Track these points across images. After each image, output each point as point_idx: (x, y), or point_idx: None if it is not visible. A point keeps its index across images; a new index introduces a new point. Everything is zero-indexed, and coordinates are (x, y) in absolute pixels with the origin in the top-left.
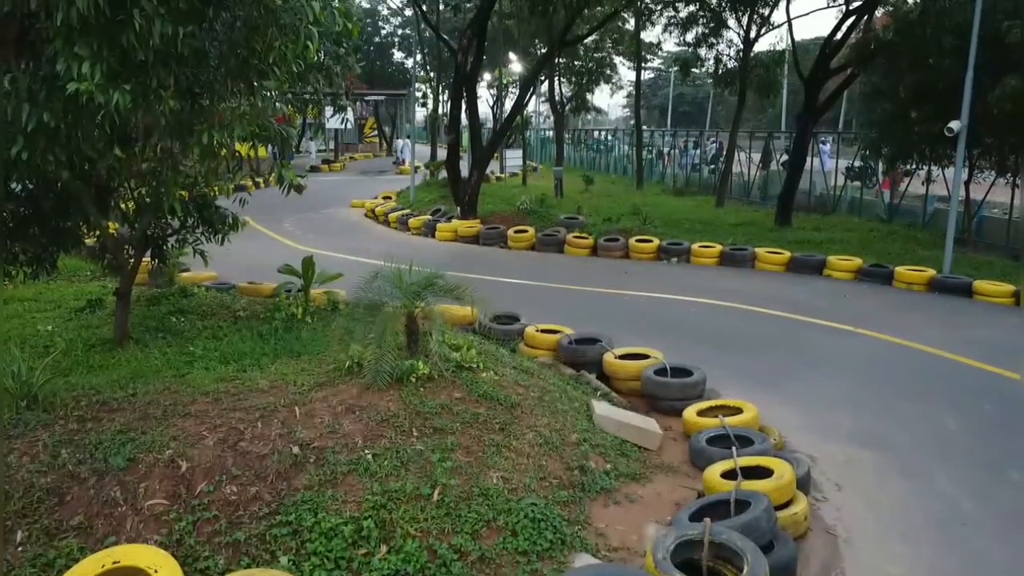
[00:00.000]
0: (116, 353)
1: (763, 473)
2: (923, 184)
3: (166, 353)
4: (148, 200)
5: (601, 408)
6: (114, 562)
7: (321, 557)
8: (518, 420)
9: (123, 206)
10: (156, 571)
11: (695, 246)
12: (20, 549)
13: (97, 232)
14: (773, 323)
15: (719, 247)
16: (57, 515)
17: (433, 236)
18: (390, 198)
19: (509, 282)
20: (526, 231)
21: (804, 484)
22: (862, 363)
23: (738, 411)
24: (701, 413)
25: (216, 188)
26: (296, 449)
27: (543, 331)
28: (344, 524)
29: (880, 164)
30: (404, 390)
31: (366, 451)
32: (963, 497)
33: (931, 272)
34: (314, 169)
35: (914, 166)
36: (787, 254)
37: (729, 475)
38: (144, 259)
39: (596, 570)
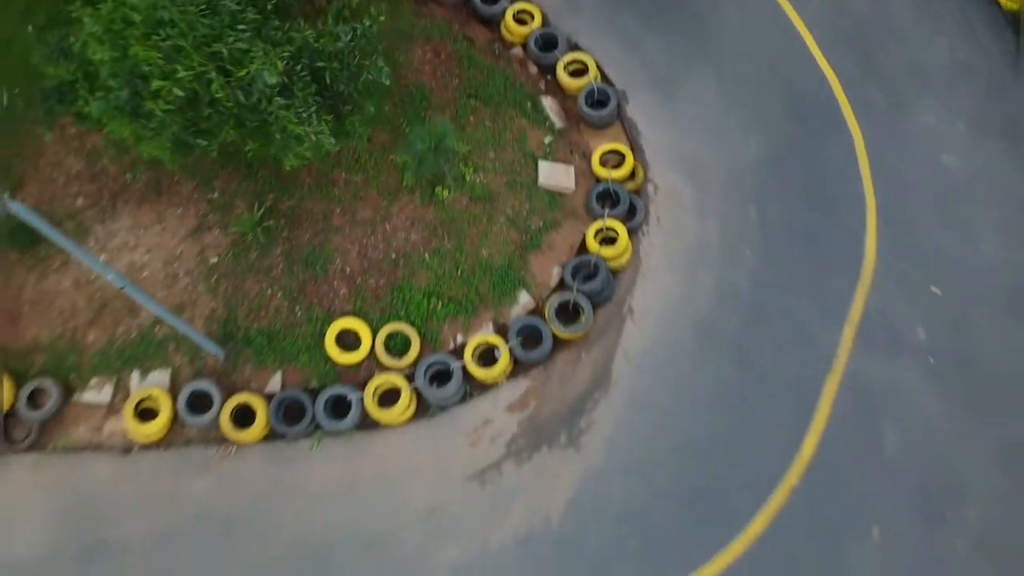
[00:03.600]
0: None
1: (617, 232)
2: None
3: None
4: None
5: (543, 173)
6: (342, 328)
7: (413, 313)
8: (497, 208)
9: None
10: (359, 331)
11: None
12: (299, 315)
13: None
14: None
15: None
16: (306, 298)
17: None
18: None
19: None
20: None
21: (639, 224)
22: (741, 50)
23: (622, 158)
24: (602, 157)
25: None
26: (394, 255)
27: (517, 18)
28: (423, 296)
29: None
30: (437, 206)
31: (425, 254)
32: (748, 233)
33: None
34: None
35: None
36: None
37: (600, 232)
38: None
39: (525, 320)
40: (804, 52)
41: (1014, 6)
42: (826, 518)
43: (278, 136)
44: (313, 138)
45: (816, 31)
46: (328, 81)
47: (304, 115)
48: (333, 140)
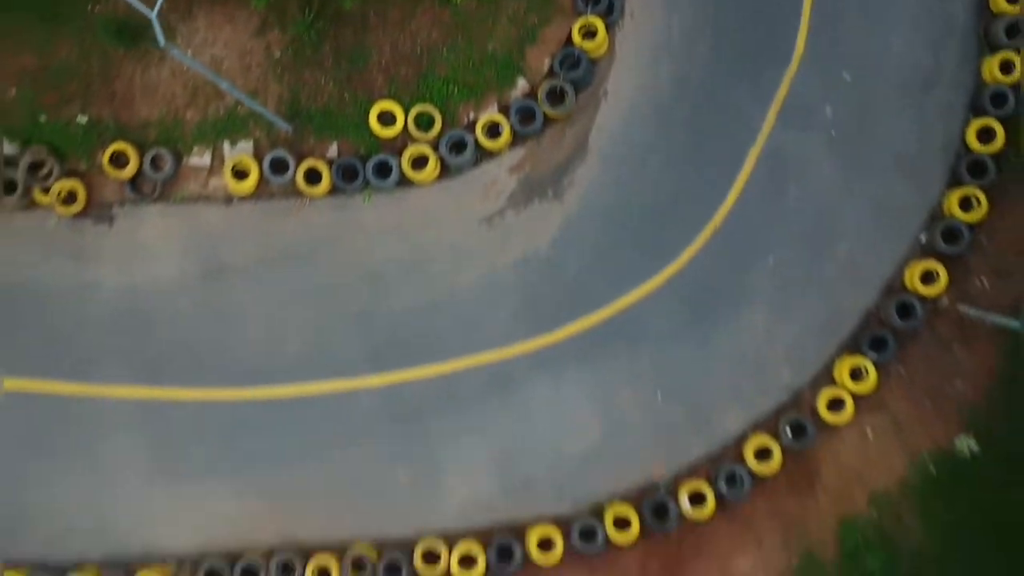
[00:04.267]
0: None
1: (597, 28)
2: None
3: None
4: None
5: None
6: (381, 109)
7: (436, 97)
8: (500, 9)
9: None
10: (395, 111)
11: None
12: (347, 98)
13: None
14: None
15: None
16: (352, 85)
17: None
18: None
19: None
20: None
21: (616, 20)
22: None
23: None
24: None
25: None
26: (419, 50)
27: None
28: (443, 83)
29: None
30: (451, 9)
31: (443, 49)
32: (703, 28)
33: None
34: None
35: None
36: None
37: (583, 28)
38: None
39: (522, 102)
40: None
41: None
42: (737, 250)
43: None
44: None
45: None
46: None
47: None
48: None
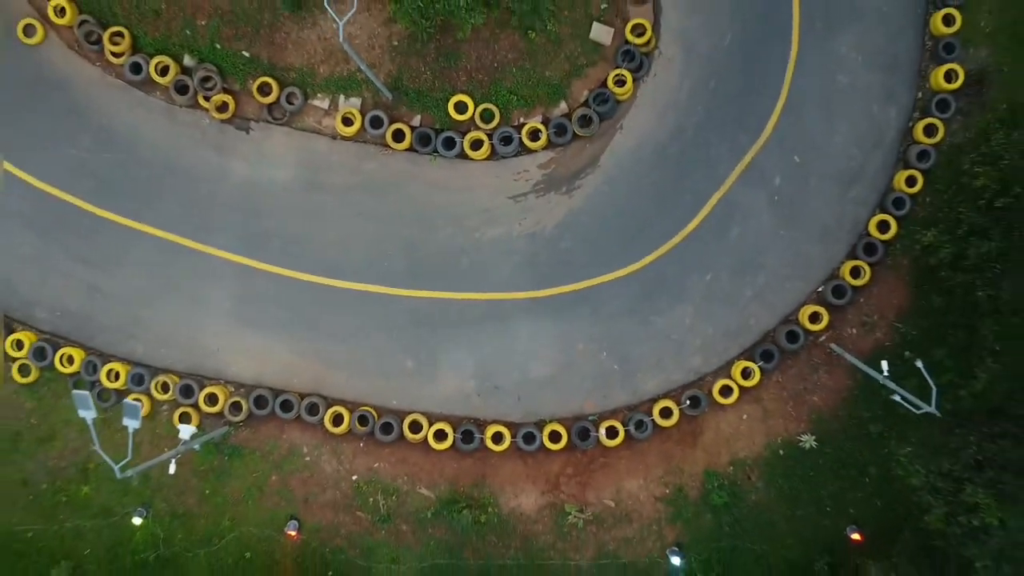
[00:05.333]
0: None
1: (626, 78)
2: None
3: None
4: None
5: (594, 30)
6: (457, 99)
7: (500, 100)
8: (561, 48)
9: None
10: (467, 103)
11: None
12: (437, 85)
13: None
14: None
15: None
16: (442, 77)
17: None
18: None
19: None
20: None
21: (642, 76)
22: None
23: (645, 30)
24: (633, 27)
25: None
26: (496, 64)
27: None
28: (507, 92)
29: None
30: (527, 41)
31: (513, 68)
32: (704, 95)
33: None
34: None
35: None
36: None
37: (616, 76)
38: None
39: (560, 119)
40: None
41: None
42: (686, 263)
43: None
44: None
45: None
46: None
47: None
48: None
